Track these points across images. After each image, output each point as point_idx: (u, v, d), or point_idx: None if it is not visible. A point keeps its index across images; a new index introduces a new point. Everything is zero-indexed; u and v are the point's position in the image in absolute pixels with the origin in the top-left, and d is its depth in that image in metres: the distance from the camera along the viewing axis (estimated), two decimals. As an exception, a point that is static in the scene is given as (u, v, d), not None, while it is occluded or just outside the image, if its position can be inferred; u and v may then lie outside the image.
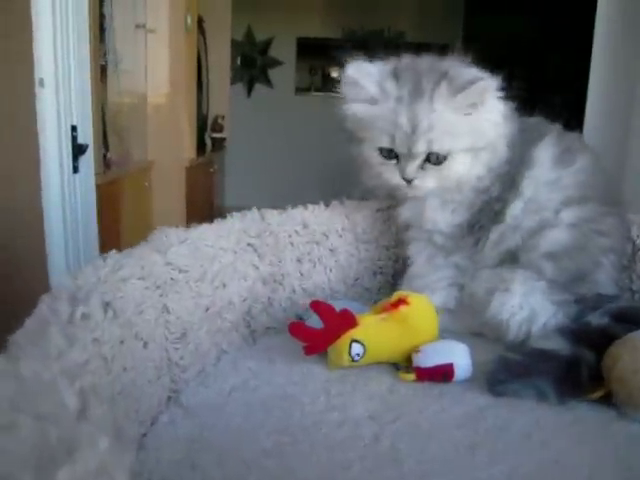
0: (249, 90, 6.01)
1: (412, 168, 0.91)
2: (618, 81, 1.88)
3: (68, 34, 1.73)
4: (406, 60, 0.93)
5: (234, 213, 1.01)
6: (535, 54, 6.86)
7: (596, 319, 0.92)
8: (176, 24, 3.07)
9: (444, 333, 0.94)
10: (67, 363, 0.49)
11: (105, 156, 2.53)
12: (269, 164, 5.94)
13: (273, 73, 6.00)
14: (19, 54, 1.58)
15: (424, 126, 0.88)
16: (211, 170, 3.88)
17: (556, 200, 0.95)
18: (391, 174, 0.93)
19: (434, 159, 0.90)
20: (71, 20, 1.73)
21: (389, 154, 0.92)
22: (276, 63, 5.96)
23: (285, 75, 6.00)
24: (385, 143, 0.91)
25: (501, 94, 0.93)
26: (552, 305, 0.93)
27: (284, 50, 5.92)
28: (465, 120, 0.90)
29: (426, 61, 0.92)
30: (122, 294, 0.69)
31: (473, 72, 0.90)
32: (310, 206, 1.10)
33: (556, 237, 0.94)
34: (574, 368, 0.84)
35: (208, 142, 3.89)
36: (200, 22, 3.62)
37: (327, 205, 1.12)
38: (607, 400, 0.81)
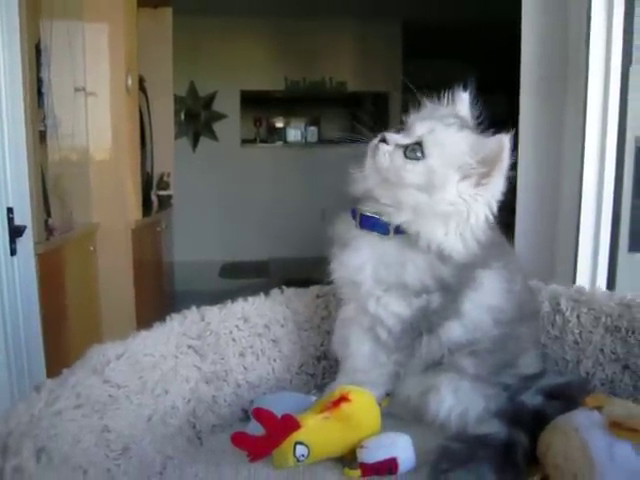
0: (194, 144, 6.03)
1: (395, 136, 0.92)
2: (547, 125, 1.93)
3: (1, 117, 1.71)
4: None
5: (173, 315, 1.01)
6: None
7: (529, 399, 0.96)
8: (116, 86, 3.07)
9: (387, 419, 0.96)
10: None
11: (47, 222, 2.45)
12: (217, 216, 5.93)
13: (218, 126, 6.04)
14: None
15: (438, 115, 0.93)
16: (158, 229, 3.83)
17: (489, 322, 0.96)
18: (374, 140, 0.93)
19: (411, 151, 0.90)
20: (5, 103, 1.72)
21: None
22: (220, 116, 6.00)
23: (230, 128, 6.04)
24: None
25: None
26: (482, 398, 0.96)
27: (228, 103, 5.98)
28: (462, 151, 0.90)
29: None
30: (57, 431, 0.68)
31: None
32: (250, 299, 1.11)
33: (479, 344, 0.97)
34: (511, 452, 0.86)
35: (155, 201, 3.86)
36: (141, 81, 3.63)
37: (267, 295, 1.14)
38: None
